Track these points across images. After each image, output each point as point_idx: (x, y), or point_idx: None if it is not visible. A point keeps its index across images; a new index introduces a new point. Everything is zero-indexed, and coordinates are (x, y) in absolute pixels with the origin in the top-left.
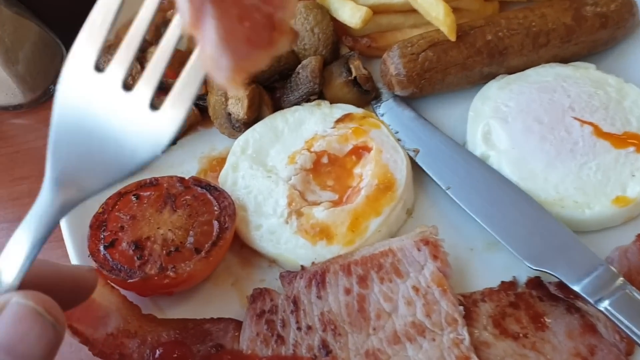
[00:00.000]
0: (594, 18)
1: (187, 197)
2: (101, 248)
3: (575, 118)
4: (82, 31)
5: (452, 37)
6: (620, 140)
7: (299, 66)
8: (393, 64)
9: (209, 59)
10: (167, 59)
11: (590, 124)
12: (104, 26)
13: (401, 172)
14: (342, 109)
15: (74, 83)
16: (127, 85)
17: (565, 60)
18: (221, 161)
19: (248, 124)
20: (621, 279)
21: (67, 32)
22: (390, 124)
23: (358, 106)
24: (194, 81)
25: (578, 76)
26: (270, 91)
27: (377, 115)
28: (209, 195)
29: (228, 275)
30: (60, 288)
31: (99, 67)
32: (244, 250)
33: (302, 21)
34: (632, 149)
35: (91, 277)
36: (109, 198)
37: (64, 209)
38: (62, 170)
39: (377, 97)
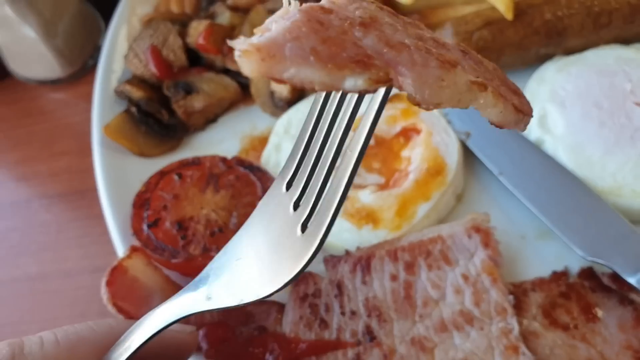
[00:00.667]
0: None
1: (230, 177)
2: (144, 227)
3: (637, 104)
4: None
5: (509, 16)
6: None
7: None
8: None
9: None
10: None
11: None
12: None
13: (452, 156)
14: None
15: (268, 198)
16: (295, 206)
17: (626, 41)
18: (263, 141)
19: (291, 102)
20: None
21: (107, 6)
22: None
23: None
24: (333, 202)
25: None
26: None
27: None
28: (251, 176)
29: None
30: (163, 355)
31: (289, 185)
32: None
33: None
34: None
35: (192, 340)
36: (151, 177)
37: (189, 310)
38: (210, 275)
39: None
